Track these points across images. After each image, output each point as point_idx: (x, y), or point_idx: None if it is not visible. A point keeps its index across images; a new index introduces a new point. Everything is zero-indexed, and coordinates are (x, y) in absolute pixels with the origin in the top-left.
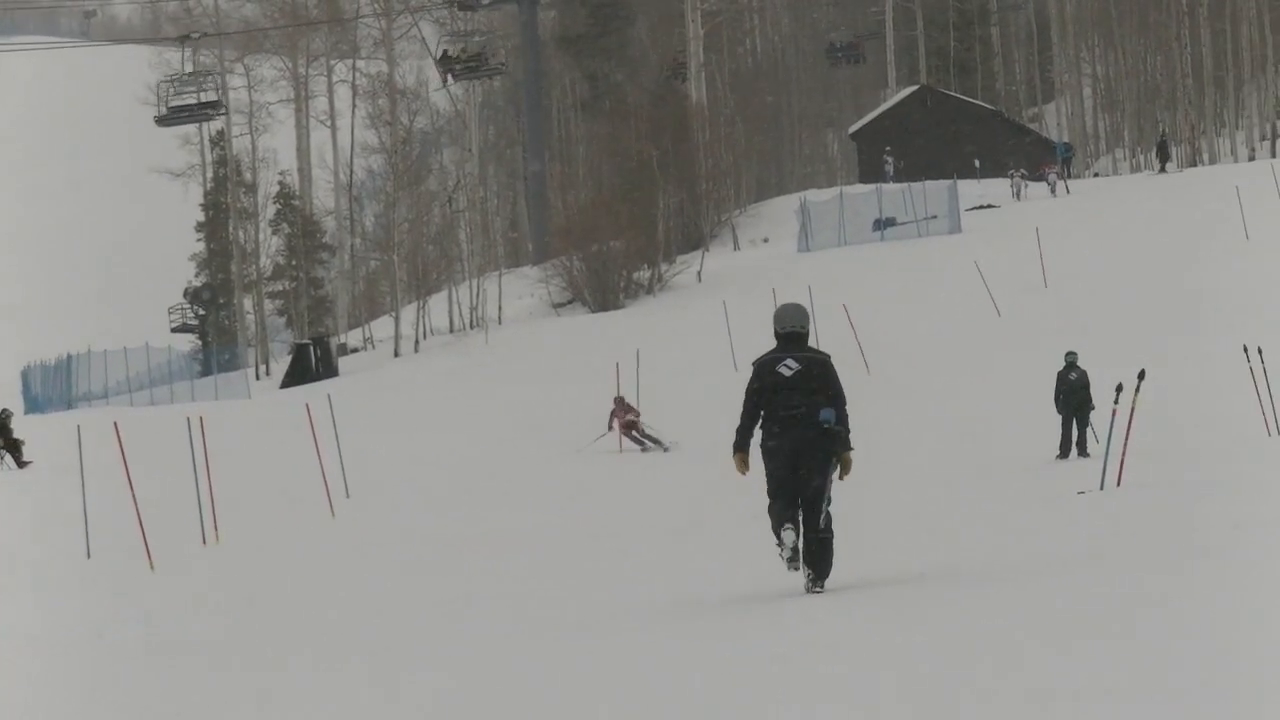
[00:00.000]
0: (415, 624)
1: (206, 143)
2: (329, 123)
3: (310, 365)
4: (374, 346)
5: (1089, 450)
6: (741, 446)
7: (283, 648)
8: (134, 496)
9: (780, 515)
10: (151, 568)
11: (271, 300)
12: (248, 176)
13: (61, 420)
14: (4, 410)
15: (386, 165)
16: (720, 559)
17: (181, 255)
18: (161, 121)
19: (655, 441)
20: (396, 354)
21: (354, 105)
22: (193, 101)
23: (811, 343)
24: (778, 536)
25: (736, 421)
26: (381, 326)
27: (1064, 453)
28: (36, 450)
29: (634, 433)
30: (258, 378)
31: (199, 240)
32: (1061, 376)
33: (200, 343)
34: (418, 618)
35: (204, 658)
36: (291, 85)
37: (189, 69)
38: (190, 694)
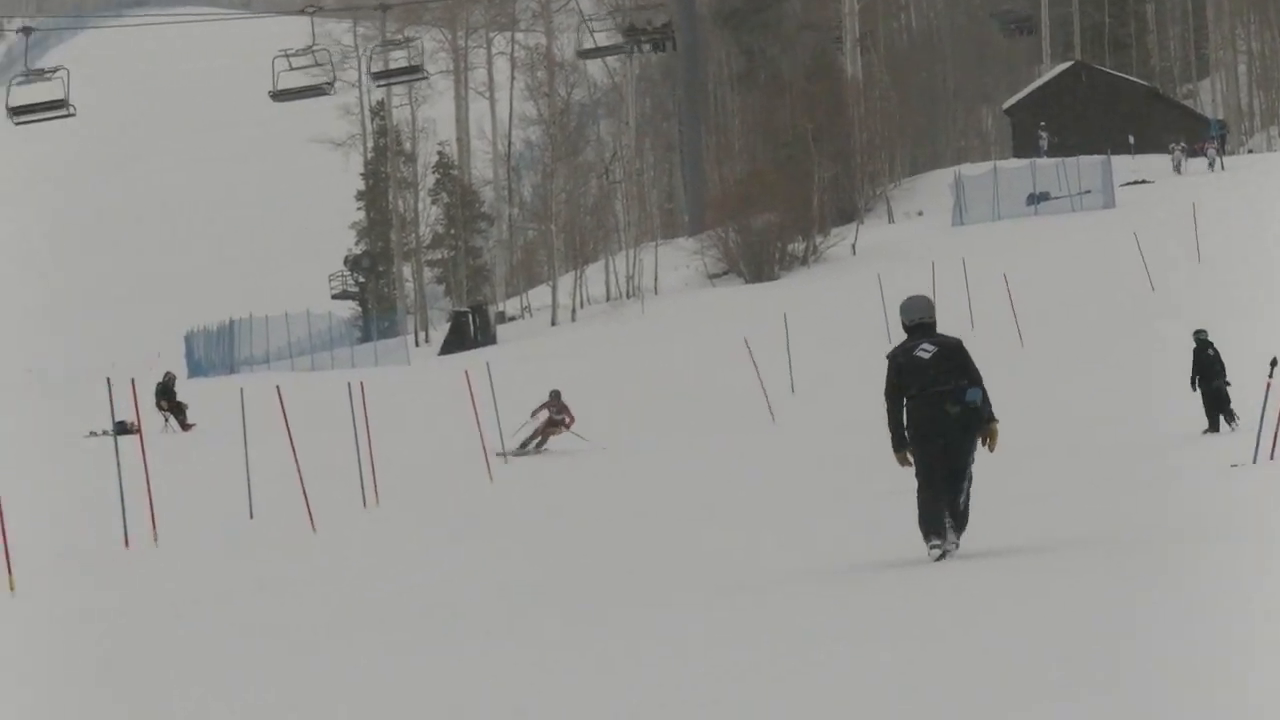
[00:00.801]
0: (566, 585)
1: (367, 113)
2: (488, 94)
3: (469, 333)
4: (531, 315)
5: (1233, 424)
6: (900, 445)
7: (435, 610)
8: (296, 459)
9: (930, 521)
10: (313, 529)
11: (430, 268)
12: (407, 147)
13: (224, 384)
14: (168, 374)
15: (544, 136)
16: (863, 529)
17: (342, 223)
18: (291, 93)
19: (539, 445)
20: (554, 322)
21: (512, 77)
22: (317, 80)
23: (954, 319)
24: (925, 539)
25: (885, 420)
26: (539, 295)
27: (1213, 426)
28: (199, 414)
29: (548, 434)
30: (417, 344)
31: (359, 209)
32: (1197, 354)
33: (360, 309)
34: (568, 579)
35: (360, 617)
36: (451, 57)
37: (310, 43)
38: (350, 652)
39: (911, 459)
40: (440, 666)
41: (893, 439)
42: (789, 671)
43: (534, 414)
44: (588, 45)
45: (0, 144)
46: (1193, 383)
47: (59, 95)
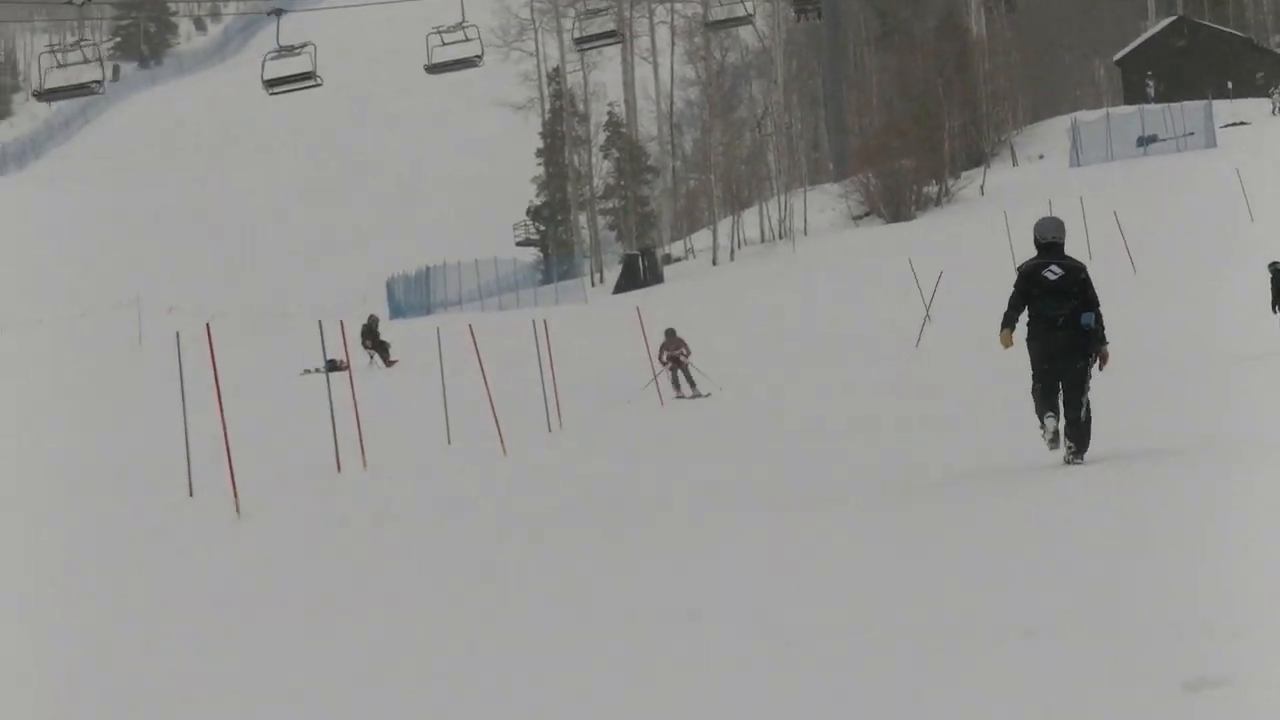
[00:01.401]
0: (756, 489)
1: (544, 78)
2: (651, 59)
3: (639, 273)
4: (694, 256)
5: None
6: (1008, 324)
7: (608, 519)
8: (488, 390)
9: (1043, 402)
10: (504, 452)
11: (603, 216)
12: (581, 108)
13: (422, 324)
14: (372, 316)
15: (702, 96)
16: (990, 438)
17: (524, 178)
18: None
19: (692, 385)
20: (714, 262)
21: (673, 43)
22: (467, 54)
23: (1074, 250)
24: (1040, 420)
25: (1004, 308)
26: (700, 238)
27: None
28: (401, 350)
29: (677, 371)
30: (593, 284)
31: (539, 164)
32: (1274, 282)
33: (541, 255)
34: (754, 484)
35: (546, 528)
36: (618, 26)
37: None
38: (533, 558)
39: (1013, 341)
40: (605, 557)
41: (1003, 320)
42: (975, 553)
43: (661, 358)
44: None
45: (242, 110)
46: (1273, 307)
47: (308, 68)
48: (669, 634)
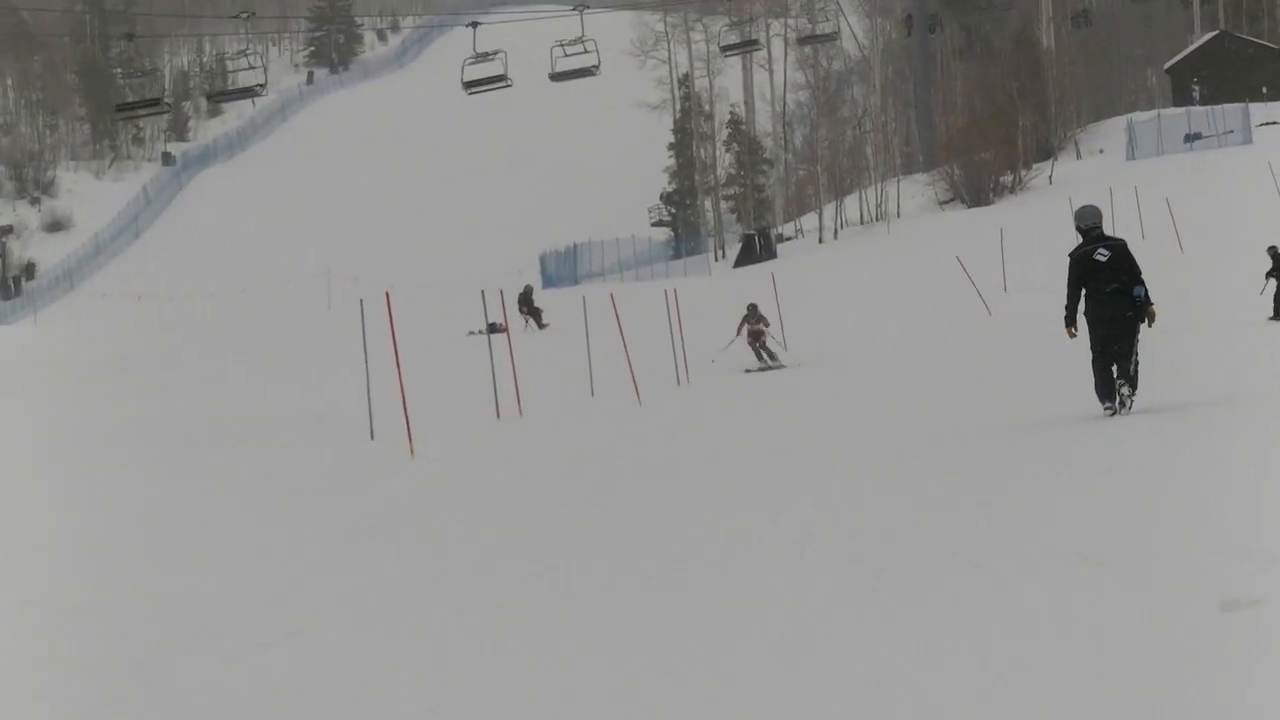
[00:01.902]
0: (865, 438)
1: (675, 82)
2: (767, 66)
3: (755, 250)
4: (803, 235)
5: None
6: (1070, 320)
7: (720, 462)
8: (626, 349)
9: (1102, 382)
10: (639, 403)
11: (725, 201)
12: (706, 108)
13: (570, 293)
14: (528, 285)
15: (811, 98)
16: (1052, 392)
17: (657, 168)
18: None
19: (771, 358)
20: (820, 241)
21: (785, 53)
22: (586, 64)
23: (1130, 232)
24: (1100, 399)
25: (1064, 300)
26: (808, 220)
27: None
28: (553, 315)
29: (758, 344)
30: (716, 260)
31: (670, 156)
32: (1276, 263)
33: (672, 234)
34: (865, 434)
35: (670, 476)
36: (739, 36)
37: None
38: (661, 495)
39: (1078, 333)
40: (712, 497)
41: (1066, 317)
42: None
43: (741, 329)
44: (805, 34)
45: (417, 107)
46: (1265, 282)
47: (501, 71)
48: (825, 560)
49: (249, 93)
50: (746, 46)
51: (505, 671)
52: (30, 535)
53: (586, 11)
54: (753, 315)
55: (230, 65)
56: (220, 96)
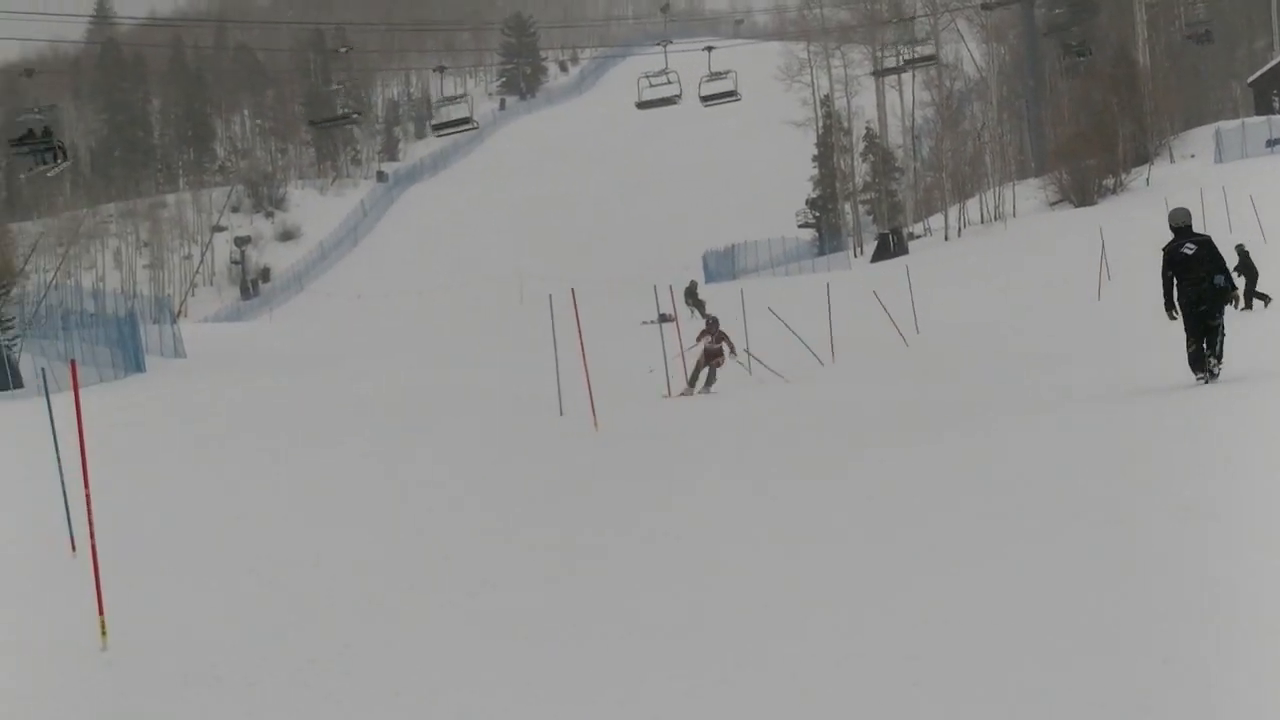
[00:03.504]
0: (947, 413)
1: (817, 103)
2: (897, 87)
3: (889, 247)
4: (930, 233)
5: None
6: (1169, 305)
7: (868, 423)
8: (786, 325)
9: (1195, 359)
10: (787, 381)
11: (862, 204)
12: (845, 124)
13: (729, 286)
14: (693, 280)
15: (936, 114)
16: (1148, 365)
17: (802, 177)
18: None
19: (708, 384)
20: (946, 238)
21: (913, 75)
22: (670, 94)
23: (1218, 226)
24: (1193, 370)
25: (1160, 288)
26: (935, 220)
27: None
28: (714, 306)
29: (712, 364)
30: (854, 256)
31: (814, 166)
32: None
33: (816, 234)
34: (944, 409)
35: (806, 441)
36: (872, 63)
37: (719, 68)
38: (811, 454)
39: (1179, 318)
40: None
41: (1165, 304)
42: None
43: (698, 339)
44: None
45: (594, 127)
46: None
47: (675, 91)
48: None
49: (466, 123)
50: (920, 61)
51: (704, 613)
52: (313, 478)
53: (738, 42)
54: (712, 330)
55: (448, 106)
56: (441, 129)
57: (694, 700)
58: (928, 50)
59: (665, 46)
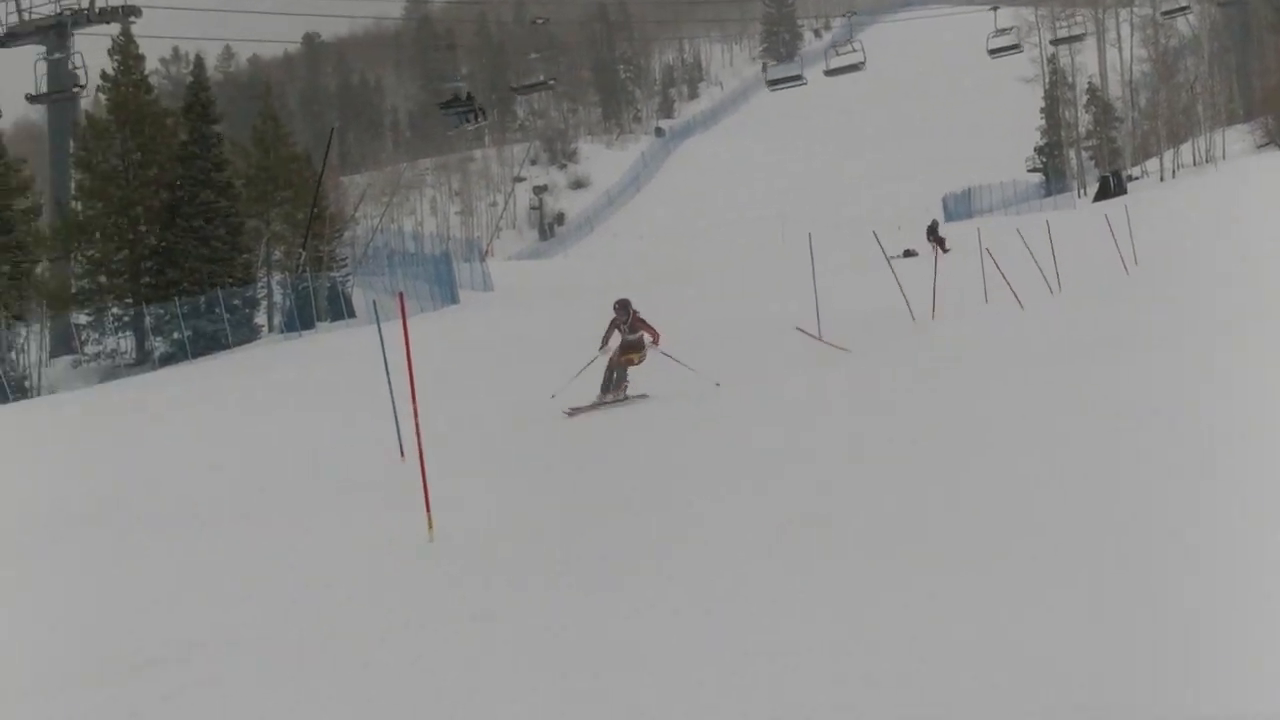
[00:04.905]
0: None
1: (1044, 61)
2: (1116, 45)
3: (1110, 188)
4: (1147, 175)
5: None
6: None
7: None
8: (995, 266)
9: None
10: (1021, 307)
11: (1084, 150)
12: (1070, 79)
13: (966, 225)
14: (934, 220)
15: (1152, 68)
16: None
17: (1031, 127)
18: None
19: (624, 384)
20: (1161, 180)
21: (1131, 34)
22: (1012, 42)
23: None
24: None
25: None
26: (1151, 163)
27: None
28: (953, 242)
29: (626, 363)
30: (1079, 197)
31: (1041, 117)
32: None
33: (1043, 178)
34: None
35: (924, 388)
36: (1094, 24)
37: (1002, 25)
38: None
39: None
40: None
41: None
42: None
43: (603, 345)
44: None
45: (845, 88)
46: None
47: (860, 59)
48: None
49: (796, 80)
50: (1074, 39)
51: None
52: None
53: (973, 9)
54: (621, 316)
55: (781, 66)
56: (774, 85)
57: None
58: (1077, 29)
59: (850, 18)
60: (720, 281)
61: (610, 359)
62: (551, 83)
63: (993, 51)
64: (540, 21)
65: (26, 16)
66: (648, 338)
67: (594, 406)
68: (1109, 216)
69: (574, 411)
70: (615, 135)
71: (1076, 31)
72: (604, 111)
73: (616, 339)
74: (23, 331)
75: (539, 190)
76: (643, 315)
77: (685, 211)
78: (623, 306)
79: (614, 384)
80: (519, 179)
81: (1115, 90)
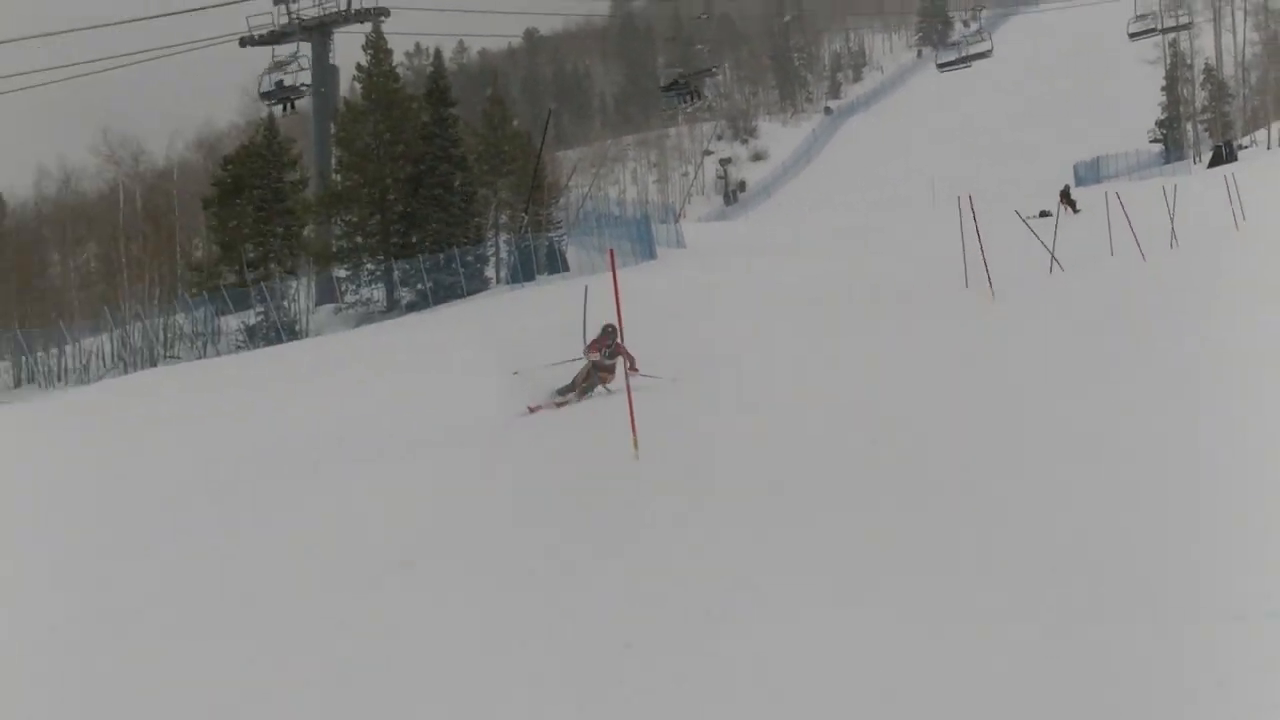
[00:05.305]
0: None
1: (1165, 46)
2: (1231, 30)
3: (1222, 156)
4: (1255, 145)
5: None
6: None
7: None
8: (1128, 222)
9: None
10: (1144, 259)
11: (1200, 123)
12: (1188, 60)
13: (1095, 189)
14: (1066, 184)
15: (1263, 49)
16: None
17: (1153, 102)
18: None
19: (582, 392)
20: (1268, 148)
21: (1245, 19)
22: (1148, 27)
23: None
24: None
25: None
26: (1260, 135)
27: None
28: (1083, 204)
29: (592, 379)
30: (1194, 163)
31: (1162, 94)
32: None
33: (1163, 147)
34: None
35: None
36: (1211, 8)
37: (1140, 12)
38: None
39: None
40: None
41: None
42: None
43: (586, 350)
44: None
45: (984, 66)
46: None
47: (988, 48)
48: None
49: (973, 58)
50: (1179, 29)
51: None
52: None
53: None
54: (605, 341)
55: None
56: (946, 66)
57: None
58: (1169, 23)
59: (979, 11)
60: (875, 242)
61: (588, 367)
62: (714, 69)
63: (1133, 35)
64: (702, 17)
65: (295, 19)
66: (625, 363)
67: (554, 404)
68: (1220, 182)
69: (534, 409)
70: (790, 114)
71: (1184, 21)
72: (780, 93)
73: (592, 356)
74: (293, 284)
75: (724, 162)
76: (624, 344)
77: (852, 180)
78: (610, 332)
79: (577, 390)
80: (707, 152)
81: (1229, 70)
